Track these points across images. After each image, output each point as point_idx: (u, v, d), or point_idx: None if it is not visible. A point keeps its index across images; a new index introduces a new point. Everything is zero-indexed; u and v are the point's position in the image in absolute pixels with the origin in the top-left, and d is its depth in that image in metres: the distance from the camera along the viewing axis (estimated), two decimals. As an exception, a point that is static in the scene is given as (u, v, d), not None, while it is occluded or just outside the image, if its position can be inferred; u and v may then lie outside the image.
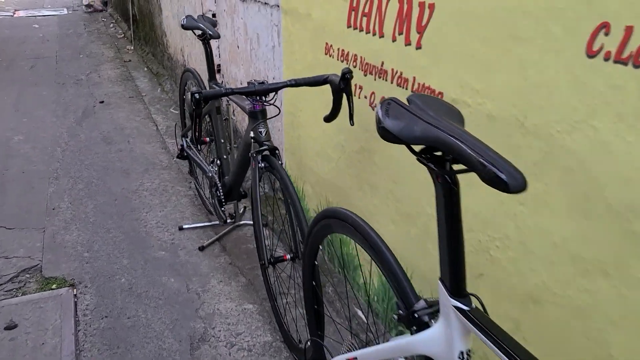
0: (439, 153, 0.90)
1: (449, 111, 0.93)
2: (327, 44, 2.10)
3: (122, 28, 8.51)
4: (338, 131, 2.11)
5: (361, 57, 1.88)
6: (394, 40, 1.67)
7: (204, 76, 2.56)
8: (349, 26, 1.92)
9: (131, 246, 2.74)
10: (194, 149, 2.66)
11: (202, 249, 2.70)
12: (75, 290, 2.41)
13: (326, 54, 2.12)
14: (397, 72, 1.69)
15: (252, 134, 1.84)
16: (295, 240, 1.92)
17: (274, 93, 1.80)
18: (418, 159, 0.93)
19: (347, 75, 1.69)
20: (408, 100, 0.98)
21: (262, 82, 1.78)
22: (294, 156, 2.59)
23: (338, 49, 2.02)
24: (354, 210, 2.13)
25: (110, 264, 2.59)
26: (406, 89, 1.65)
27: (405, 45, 1.62)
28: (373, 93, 1.85)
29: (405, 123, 0.88)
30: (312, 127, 2.34)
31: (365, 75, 1.86)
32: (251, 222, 2.87)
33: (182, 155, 2.83)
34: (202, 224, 2.92)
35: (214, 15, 3.51)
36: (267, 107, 1.88)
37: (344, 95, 1.76)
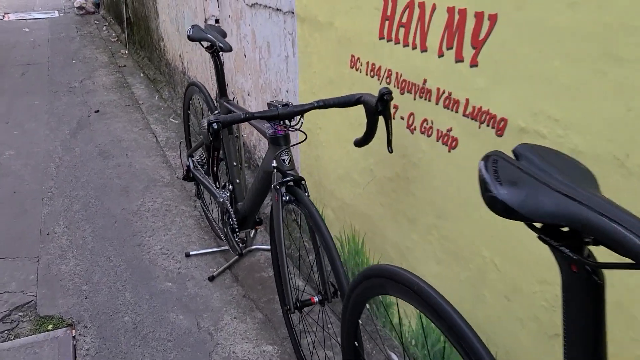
0: (566, 228, 0.67)
1: (576, 170, 0.70)
2: (353, 56, 1.87)
3: (116, 31, 8.25)
4: (366, 154, 1.88)
5: (397, 73, 1.65)
6: (440, 55, 1.44)
7: (209, 87, 2.33)
8: (381, 37, 1.69)
9: (134, 277, 2.50)
10: (202, 170, 2.43)
11: (212, 279, 2.46)
12: (73, 331, 2.17)
13: (352, 67, 1.89)
14: (444, 92, 1.46)
15: (274, 163, 1.61)
16: (324, 280, 1.69)
17: (300, 116, 1.57)
18: (540, 238, 0.70)
19: (385, 97, 1.46)
20: (516, 154, 0.75)
21: (286, 104, 1.55)
22: (311, 177, 2.36)
23: (367, 63, 1.79)
24: (386, 243, 1.91)
25: (112, 298, 2.36)
26: (456, 111, 1.42)
27: (456, 61, 1.39)
28: (412, 114, 1.62)
29: (526, 192, 0.65)
30: (334, 148, 2.11)
31: (403, 94, 1.63)
32: (264, 247, 2.65)
33: (188, 176, 2.59)
34: (210, 249, 2.68)
35: (217, 21, 3.27)
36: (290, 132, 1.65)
37: (380, 118, 1.54)
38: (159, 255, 2.66)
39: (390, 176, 1.79)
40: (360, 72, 1.84)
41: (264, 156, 1.79)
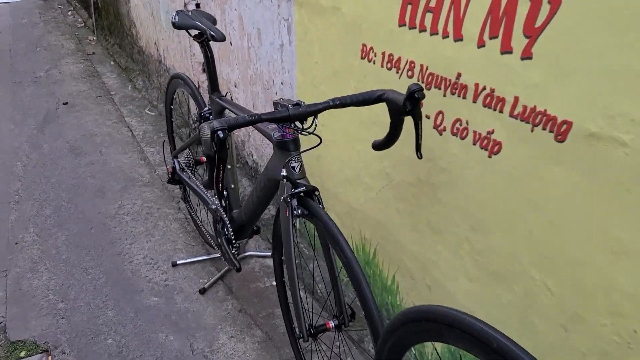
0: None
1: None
2: (364, 46, 1.65)
3: (82, 16, 7.81)
4: (381, 156, 1.67)
5: (422, 66, 1.44)
6: (481, 45, 1.23)
7: (190, 78, 2.09)
8: (402, 24, 1.47)
9: (116, 291, 2.26)
10: (189, 172, 2.18)
11: (203, 291, 2.24)
12: (50, 358, 1.93)
13: (363, 58, 1.67)
14: (484, 89, 1.25)
15: (283, 172, 1.38)
16: (341, 302, 1.49)
17: (314, 117, 1.34)
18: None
19: (416, 95, 1.25)
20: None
21: (298, 104, 1.32)
22: (311, 179, 2.13)
23: (383, 54, 1.57)
24: (404, 254, 1.71)
25: (92, 317, 2.11)
26: (500, 111, 1.22)
27: (502, 53, 1.18)
28: (441, 113, 1.41)
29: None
30: (340, 147, 1.89)
31: (429, 89, 1.43)
32: (258, 253, 2.44)
33: (173, 179, 2.34)
34: (199, 257, 2.45)
35: (197, 5, 3.00)
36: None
37: (405, 118, 1.33)
38: (143, 266, 2.42)
39: (411, 181, 1.58)
40: (374, 63, 1.62)
41: (267, 163, 1.56)
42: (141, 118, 4.15)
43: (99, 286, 2.29)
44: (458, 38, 1.30)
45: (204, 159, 2.26)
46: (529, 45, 1.12)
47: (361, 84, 1.71)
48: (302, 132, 1.34)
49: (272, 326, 2.05)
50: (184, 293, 2.25)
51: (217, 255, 2.33)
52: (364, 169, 1.80)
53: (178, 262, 2.41)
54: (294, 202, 1.39)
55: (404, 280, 1.72)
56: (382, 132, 1.65)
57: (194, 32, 1.83)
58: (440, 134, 1.43)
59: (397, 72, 1.54)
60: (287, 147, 1.43)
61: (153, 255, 2.49)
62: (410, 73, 1.49)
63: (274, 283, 2.28)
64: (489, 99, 1.25)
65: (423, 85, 1.44)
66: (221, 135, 1.12)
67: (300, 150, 1.43)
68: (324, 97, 1.94)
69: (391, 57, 1.55)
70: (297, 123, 1.35)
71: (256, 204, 1.70)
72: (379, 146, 1.46)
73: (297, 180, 1.42)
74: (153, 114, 4.22)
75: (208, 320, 2.10)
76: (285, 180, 1.41)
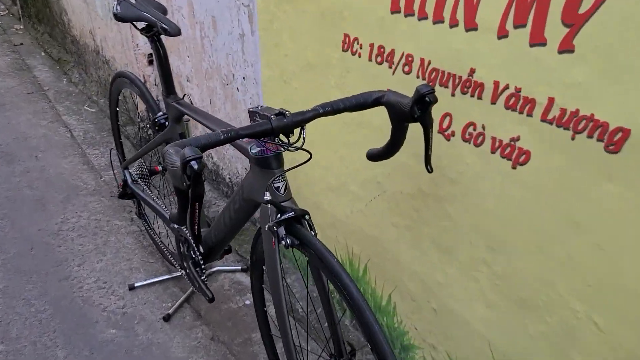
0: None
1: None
2: (347, 36, 1.41)
3: (5, 3, 7.16)
4: (370, 162, 1.45)
5: (423, 60, 1.22)
6: (502, 36, 1.02)
7: (134, 73, 1.79)
8: (395, 11, 1.25)
9: (66, 325, 1.97)
10: (142, 185, 1.90)
11: (167, 318, 1.98)
12: (-9, 416, 1.64)
13: (346, 50, 1.44)
14: (506, 88, 1.05)
15: (267, 196, 1.14)
16: (339, 339, 1.27)
17: (301, 129, 1.11)
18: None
19: (427, 98, 1.03)
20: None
21: (281, 113, 1.08)
22: (285, 184, 1.90)
23: (371, 46, 1.34)
24: (402, 273, 1.51)
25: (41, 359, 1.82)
26: (529, 114, 1.02)
27: (532, 45, 0.98)
28: (448, 115, 1.20)
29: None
30: (321, 152, 1.65)
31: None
32: (226, 268, 2.20)
33: (125, 193, 2.05)
34: (159, 277, 2.18)
35: (138, -10, 2.67)
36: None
37: (408, 126, 1.11)
38: (95, 291, 2.13)
39: (411, 192, 1.37)
40: (360, 56, 1.39)
41: (242, 180, 1.31)
42: (80, 116, 3.77)
43: (46, 320, 1.99)
44: (471, 27, 1.08)
45: (159, 167, 1.98)
46: (570, 36, 0.91)
47: (344, 80, 1.48)
48: (289, 148, 1.10)
49: (251, 355, 1.82)
50: (145, 322, 1.98)
51: (179, 273, 2.07)
52: (350, 177, 1.58)
53: (136, 285, 2.13)
54: (282, 231, 1.15)
55: (403, 302, 1.53)
56: (370, 136, 1.44)
57: (142, 24, 1.54)
58: (448, 140, 1.22)
59: (390, 67, 1.31)
60: (268, 165, 1.19)
61: (106, 278, 2.20)
62: (407, 68, 1.27)
63: (248, 302, 2.06)
64: (513, 99, 1.04)
65: (425, 83, 1.23)
66: (196, 167, 0.86)
67: (285, 169, 1.19)
68: (296, 94, 1.71)
69: (382, 50, 1.32)
70: (282, 136, 1.11)
71: (229, 226, 1.45)
72: (375, 157, 1.24)
73: (283, 203, 1.19)
74: (93, 110, 3.84)
75: (177, 353, 1.84)
76: (269, 205, 1.17)
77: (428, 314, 1.44)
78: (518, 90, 1.03)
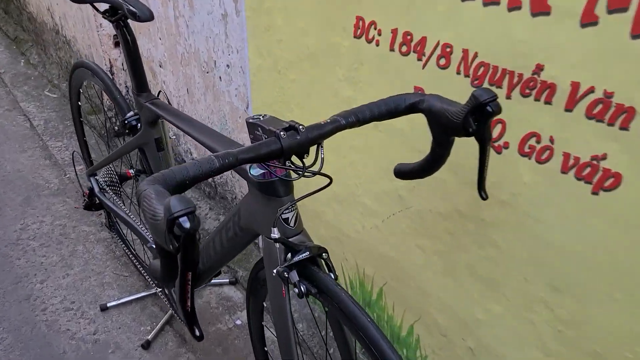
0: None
1: None
2: (360, 19, 1.14)
3: (-44, -25, 6.61)
4: (388, 173, 1.19)
5: (466, 51, 0.96)
6: (587, 23, 0.77)
7: (100, 60, 1.48)
8: (429, -12, 0.98)
9: (28, 357, 1.69)
10: (111, 193, 1.61)
11: (147, 345, 1.72)
12: None
13: (359, 37, 1.16)
14: (590, 91, 0.80)
15: (274, 233, 0.88)
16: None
17: (317, 146, 0.84)
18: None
19: (489, 107, 0.78)
20: None
21: (292, 127, 0.81)
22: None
23: (394, 32, 1.08)
24: (429, 304, 1.27)
25: (-3, 404, 1.56)
26: (624, 128, 0.78)
27: (635, 37, 0.73)
28: (500, 121, 0.95)
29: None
30: (326, 155, 1.39)
31: (479, 86, 0.95)
32: (213, 281, 1.93)
33: (92, 203, 1.76)
34: (136, 295, 1.91)
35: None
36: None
37: (454, 140, 0.86)
38: (61, 314, 1.85)
39: (443, 212, 1.13)
40: (378, 44, 1.13)
41: (239, 204, 1.04)
42: (40, 102, 3.41)
43: (3, 352, 1.71)
44: (540, 11, 0.82)
45: (131, 172, 1.69)
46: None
47: (356, 73, 1.21)
48: (306, 174, 0.83)
49: (246, 389, 1.59)
50: (121, 350, 1.72)
51: (157, 290, 1.80)
52: (362, 187, 1.33)
53: (109, 305, 1.86)
54: (294, 276, 0.90)
55: (430, 336, 1.29)
56: (388, 142, 1.19)
57: (104, 6, 1.24)
58: (499, 152, 0.97)
59: (420, 59, 1.05)
60: (274, 191, 0.92)
61: (74, 297, 1.92)
62: (443, 61, 1.00)
63: (239, 322, 1.81)
64: (600, 107, 0.79)
65: (468, 80, 0.97)
66: (187, 226, 0.59)
67: (296, 198, 0.93)
68: (293, 86, 1.43)
69: (408, 38, 1.05)
70: (294, 157, 0.84)
71: (220, 254, 1.18)
72: (406, 174, 0.99)
73: (293, 238, 0.93)
74: (55, 95, 3.48)
75: (159, 389, 1.59)
76: (278, 244, 0.90)
77: (463, 353, 1.21)
78: (608, 95, 0.78)
